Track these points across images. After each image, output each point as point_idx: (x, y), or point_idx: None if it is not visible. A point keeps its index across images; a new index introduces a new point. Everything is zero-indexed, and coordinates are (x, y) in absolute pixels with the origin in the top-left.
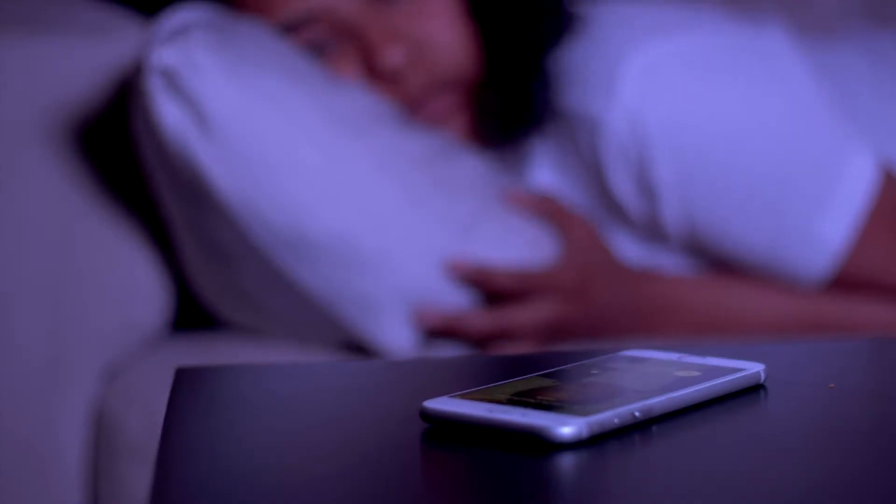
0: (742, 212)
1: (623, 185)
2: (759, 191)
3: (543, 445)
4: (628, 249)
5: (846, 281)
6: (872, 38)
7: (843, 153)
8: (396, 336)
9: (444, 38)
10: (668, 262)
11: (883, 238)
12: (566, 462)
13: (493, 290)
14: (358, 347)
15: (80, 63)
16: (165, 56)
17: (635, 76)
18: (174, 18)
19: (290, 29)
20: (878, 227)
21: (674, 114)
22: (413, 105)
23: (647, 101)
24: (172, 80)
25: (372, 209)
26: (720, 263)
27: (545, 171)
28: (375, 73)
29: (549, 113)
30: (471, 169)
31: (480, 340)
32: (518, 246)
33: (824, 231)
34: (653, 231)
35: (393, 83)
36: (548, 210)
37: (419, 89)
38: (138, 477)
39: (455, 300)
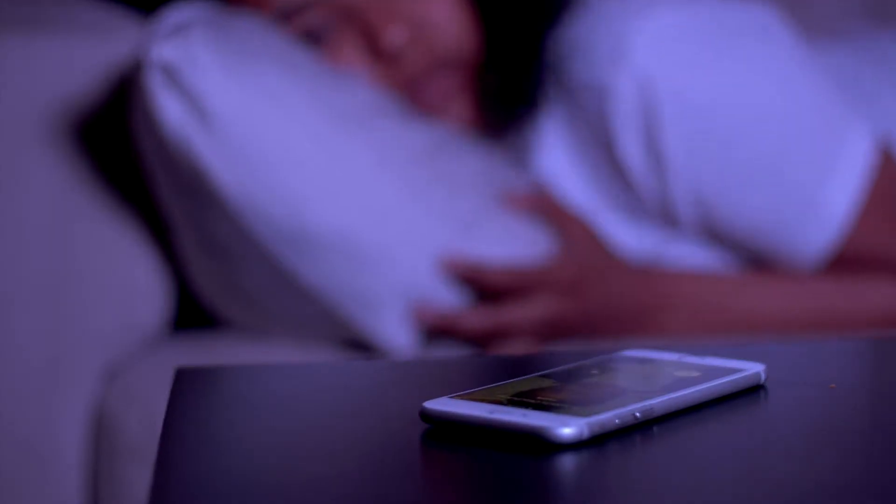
0: (747, 180)
1: (632, 153)
2: (765, 160)
3: (544, 446)
4: (636, 237)
5: (849, 257)
6: (873, 39)
7: (843, 127)
8: (396, 332)
9: (443, 18)
10: (677, 253)
11: (882, 213)
12: (567, 462)
13: (487, 287)
14: (358, 345)
15: (80, 62)
16: (165, 52)
17: (644, 43)
18: (174, 15)
19: (288, 15)
20: (879, 202)
21: (682, 79)
22: (413, 87)
23: (655, 65)
24: (172, 76)
25: (372, 205)
26: (726, 247)
27: (555, 153)
28: (376, 55)
29: (553, 91)
30: (472, 164)
31: (477, 339)
32: (519, 243)
33: (828, 200)
34: (662, 209)
35: (394, 65)
36: (544, 207)
37: (419, 70)
38: (138, 477)
39: (454, 297)
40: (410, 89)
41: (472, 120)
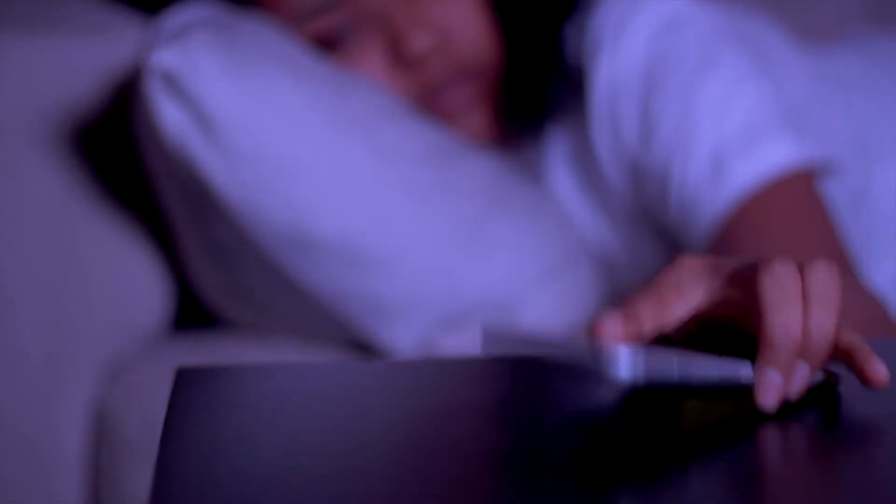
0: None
1: (601, 134)
2: (705, 138)
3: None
4: (638, 255)
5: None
6: (873, 43)
7: (789, 132)
8: (400, 335)
9: (468, 26)
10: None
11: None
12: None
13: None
14: (361, 346)
15: (81, 63)
16: (166, 58)
17: (633, 30)
18: (176, 18)
19: (305, 16)
20: (780, 206)
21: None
22: (431, 95)
23: (636, 52)
24: (173, 83)
25: (376, 209)
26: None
27: (561, 172)
28: (399, 60)
29: (565, 102)
30: (478, 168)
31: None
32: (526, 248)
33: (736, 175)
34: (633, 200)
35: (414, 71)
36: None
37: (439, 78)
38: (138, 477)
39: (461, 302)
40: (428, 97)
41: (488, 133)
